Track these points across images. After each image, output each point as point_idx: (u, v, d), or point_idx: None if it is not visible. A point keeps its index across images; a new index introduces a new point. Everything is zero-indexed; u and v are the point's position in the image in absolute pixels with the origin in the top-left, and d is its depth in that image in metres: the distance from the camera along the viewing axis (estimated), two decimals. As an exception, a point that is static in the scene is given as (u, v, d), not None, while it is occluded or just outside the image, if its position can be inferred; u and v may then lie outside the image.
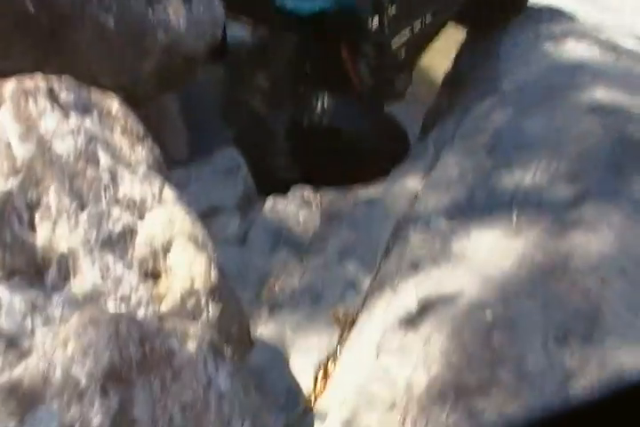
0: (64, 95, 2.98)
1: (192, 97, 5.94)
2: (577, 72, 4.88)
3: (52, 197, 2.44)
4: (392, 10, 5.21)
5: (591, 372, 2.68)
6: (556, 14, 6.02)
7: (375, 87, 5.62)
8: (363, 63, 5.68)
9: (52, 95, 2.93)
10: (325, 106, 5.20)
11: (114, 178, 2.69)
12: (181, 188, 4.20)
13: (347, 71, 5.46)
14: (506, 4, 5.88)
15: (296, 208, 4.49)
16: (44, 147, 2.64)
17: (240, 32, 7.52)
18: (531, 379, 2.74)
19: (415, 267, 3.48)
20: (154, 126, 4.88)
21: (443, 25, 5.92)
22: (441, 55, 6.36)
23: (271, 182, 5.39)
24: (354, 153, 5.21)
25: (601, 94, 4.52)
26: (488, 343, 2.90)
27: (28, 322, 1.88)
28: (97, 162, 2.73)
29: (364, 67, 5.66)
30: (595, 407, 1.28)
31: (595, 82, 4.71)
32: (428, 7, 5.39)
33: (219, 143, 5.55)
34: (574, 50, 5.32)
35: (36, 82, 2.91)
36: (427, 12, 5.43)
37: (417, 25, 5.52)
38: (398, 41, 5.44)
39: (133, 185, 2.74)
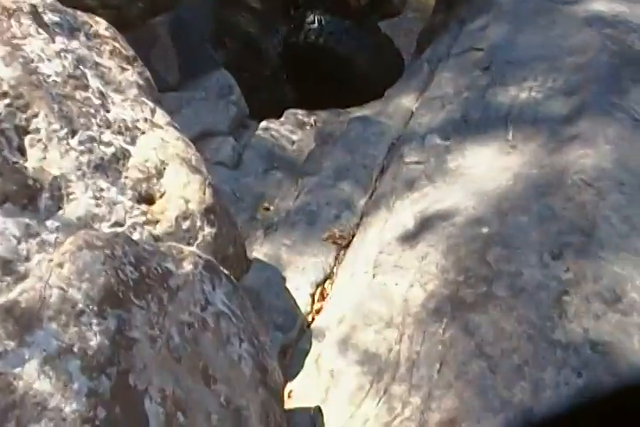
0: (48, 16, 2.88)
1: (182, 20, 5.78)
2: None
3: (42, 121, 2.38)
4: None
5: (587, 285, 2.69)
6: None
7: (372, 3, 5.48)
8: None
9: (36, 16, 2.83)
10: (320, 25, 5.07)
11: (104, 101, 2.63)
12: (174, 112, 4.14)
13: None
14: None
15: (290, 130, 4.44)
16: (30, 69, 2.56)
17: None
18: (526, 294, 2.74)
19: (410, 185, 3.46)
20: (143, 50, 4.79)
21: None
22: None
23: (264, 105, 5.32)
24: (348, 73, 5.11)
25: (600, 5, 4.39)
26: (484, 259, 2.90)
27: (23, 247, 1.86)
28: (86, 85, 2.66)
29: None
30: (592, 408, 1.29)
31: (592, -7, 4.57)
32: None
33: (210, 67, 5.44)
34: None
35: (18, 2, 2.81)
36: None
37: None
38: None
39: (124, 108, 2.69)
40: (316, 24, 5.10)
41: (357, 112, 4.55)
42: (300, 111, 4.70)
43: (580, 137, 3.35)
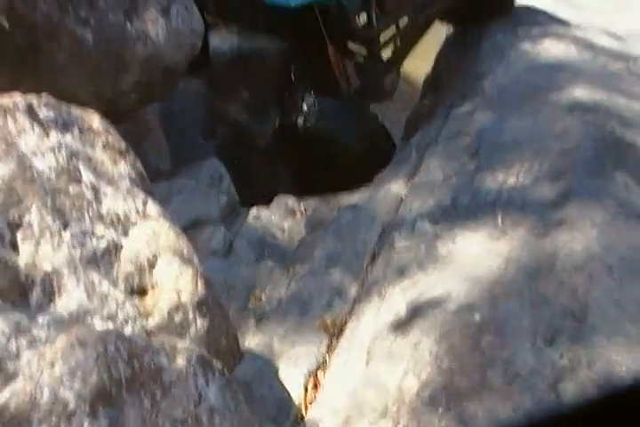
0: (43, 112, 2.97)
1: (173, 109, 5.94)
2: (556, 72, 4.93)
3: (35, 215, 2.43)
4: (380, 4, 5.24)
5: (581, 371, 2.69)
6: (533, 14, 6.06)
7: (362, 88, 5.63)
8: (350, 63, 5.70)
9: (32, 112, 2.92)
10: (311, 107, 5.19)
11: (97, 194, 2.68)
12: (165, 201, 4.21)
13: (333, 72, 5.47)
14: (493, 4, 5.89)
15: (280, 217, 4.50)
16: (24, 165, 2.63)
17: (221, 43, 7.54)
18: (521, 381, 2.74)
19: (402, 272, 3.49)
20: (135, 139, 4.90)
21: (429, 23, 5.96)
22: (421, 58, 6.38)
23: (254, 192, 5.39)
24: (339, 156, 5.21)
25: (580, 93, 4.56)
26: (477, 346, 2.90)
27: (13, 344, 1.87)
28: (79, 178, 2.72)
29: (351, 67, 5.69)
30: (585, 410, 1.29)
31: (574, 81, 4.75)
32: (416, 1, 5.41)
33: (201, 155, 5.55)
34: (553, 49, 5.37)
35: (15, 99, 2.90)
36: (415, 6, 5.45)
37: (405, 21, 5.55)
38: (386, 37, 5.46)
39: (117, 201, 2.74)
40: (308, 106, 5.21)
41: (347, 198, 4.62)
42: (290, 198, 4.77)
43: (567, 222, 3.42)
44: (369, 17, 5.19)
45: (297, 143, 5.36)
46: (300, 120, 5.21)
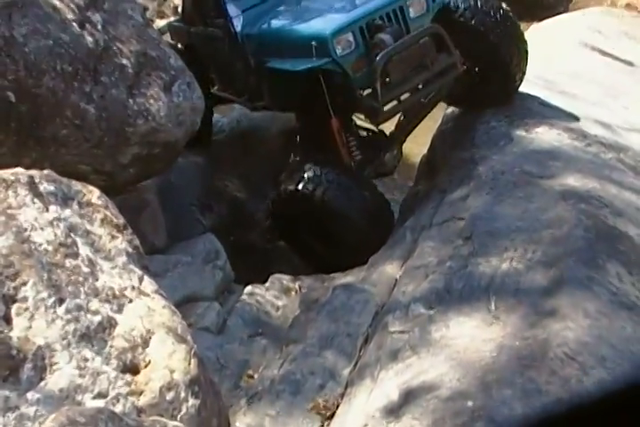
0: (44, 186, 3.03)
1: (172, 183, 6.03)
2: (549, 159, 5.03)
3: (30, 290, 2.45)
4: (385, 77, 5.30)
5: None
6: (528, 101, 6.21)
7: (364, 162, 5.68)
8: (353, 137, 5.80)
9: (33, 186, 2.98)
10: (314, 176, 5.19)
11: (93, 269, 2.72)
12: (160, 276, 4.25)
13: (336, 144, 5.53)
14: (496, 93, 6.03)
15: (275, 296, 4.53)
16: (22, 238, 2.67)
17: (222, 118, 7.72)
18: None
19: (395, 355, 3.49)
20: (133, 213, 4.97)
21: (433, 104, 6.06)
22: (417, 140, 6.51)
23: (250, 268, 5.40)
24: (339, 227, 5.19)
25: (573, 181, 4.64)
26: (469, 434, 2.88)
27: (0, 421, 1.86)
28: (76, 253, 2.76)
29: (355, 141, 5.78)
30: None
31: (566, 169, 4.85)
32: (419, 77, 5.47)
33: (198, 231, 5.62)
34: (546, 137, 5.48)
35: (17, 174, 2.96)
36: (419, 81, 5.53)
37: (409, 97, 5.65)
38: (390, 112, 5.53)
39: (113, 276, 2.77)
40: (310, 175, 5.19)
41: (342, 279, 4.65)
42: (285, 276, 4.80)
43: (560, 310, 3.44)
44: (373, 89, 5.25)
45: (296, 210, 5.34)
46: (300, 188, 5.19)
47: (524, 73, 6.06)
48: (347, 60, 5.25)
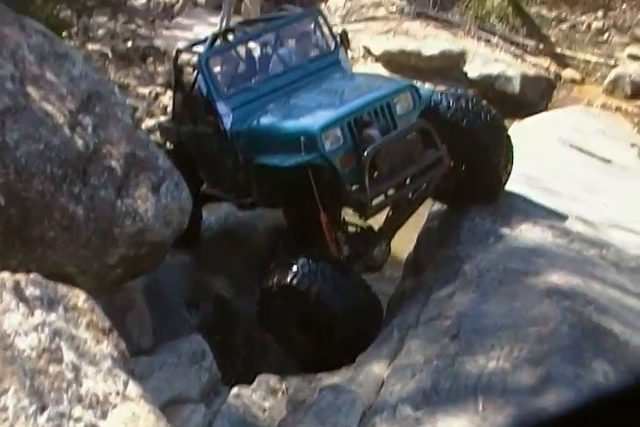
0: (30, 290, 3.07)
1: (159, 281, 6.06)
2: (532, 257, 5.11)
3: (11, 398, 2.45)
4: (373, 172, 5.39)
5: None
6: (511, 199, 6.34)
7: (353, 256, 5.69)
8: (342, 232, 5.83)
9: (18, 290, 3.02)
10: (303, 269, 5.15)
11: (77, 374, 2.72)
12: (145, 378, 4.23)
13: (325, 238, 5.55)
14: (482, 191, 6.12)
15: (261, 397, 4.49)
16: (5, 344, 2.69)
17: (210, 217, 7.82)
18: None
19: (382, 460, 3.45)
20: (119, 313, 4.98)
21: (421, 201, 6.15)
22: (404, 236, 6.57)
23: (237, 368, 5.35)
24: (326, 320, 5.14)
25: (557, 278, 4.71)
26: None
27: None
28: (60, 358, 2.77)
29: (344, 236, 5.81)
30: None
31: (550, 266, 4.93)
32: (406, 171, 5.57)
33: (184, 330, 5.59)
34: (530, 234, 5.58)
35: (3, 279, 3.01)
36: (405, 176, 5.62)
37: (396, 192, 5.75)
38: (378, 207, 5.61)
39: (97, 381, 2.77)
40: (303, 270, 5.14)
41: (329, 379, 4.62)
42: (271, 377, 4.76)
43: (548, 410, 3.43)
44: (361, 183, 5.33)
45: (284, 303, 5.28)
46: (296, 283, 5.14)
47: (509, 173, 6.22)
48: (335, 155, 5.37)
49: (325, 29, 6.82)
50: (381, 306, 5.53)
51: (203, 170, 6.96)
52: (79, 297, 3.24)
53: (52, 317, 3.01)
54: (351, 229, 6.06)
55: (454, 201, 6.38)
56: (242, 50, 6.92)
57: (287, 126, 5.72)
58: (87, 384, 2.75)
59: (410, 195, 5.97)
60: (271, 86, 6.27)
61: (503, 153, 6.08)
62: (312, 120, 5.54)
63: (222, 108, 6.16)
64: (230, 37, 7.13)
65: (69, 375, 2.73)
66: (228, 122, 6.14)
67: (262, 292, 5.50)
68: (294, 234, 6.42)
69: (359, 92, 6.02)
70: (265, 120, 5.96)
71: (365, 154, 5.28)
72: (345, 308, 5.10)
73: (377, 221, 6.00)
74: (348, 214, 6.04)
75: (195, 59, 6.76)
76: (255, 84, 6.33)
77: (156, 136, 10.53)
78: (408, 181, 5.74)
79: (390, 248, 5.93)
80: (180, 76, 7.32)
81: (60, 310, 3.09)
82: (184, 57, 7.48)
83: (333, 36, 6.72)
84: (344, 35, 6.71)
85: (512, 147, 6.18)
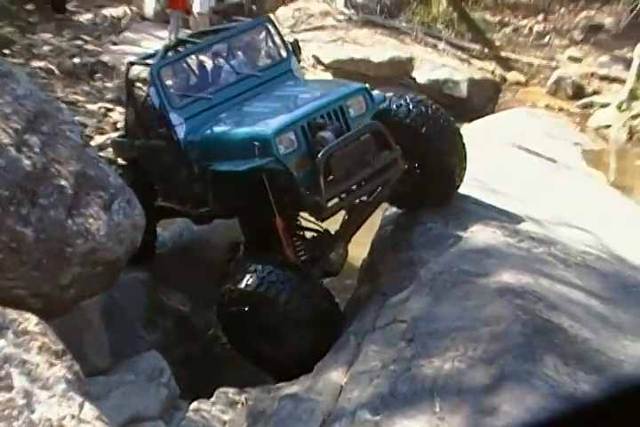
0: (-24, 317, 3.05)
1: (114, 301, 6.01)
2: (484, 258, 5.19)
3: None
4: (328, 174, 5.38)
5: None
6: (461, 201, 6.42)
7: (311, 261, 5.70)
8: (298, 237, 5.84)
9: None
10: (261, 274, 5.12)
11: (29, 401, 2.71)
12: (103, 397, 4.20)
13: (281, 244, 5.55)
14: (436, 194, 6.18)
15: (221, 410, 4.49)
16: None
17: (165, 233, 7.79)
18: None
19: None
20: (74, 333, 4.93)
21: (377, 203, 6.16)
22: (359, 241, 6.61)
23: (196, 382, 5.33)
24: (290, 328, 5.15)
25: (507, 277, 4.79)
26: None
27: None
28: (10, 385, 2.75)
29: (300, 240, 5.82)
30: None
31: (501, 266, 5.01)
32: (361, 173, 5.57)
33: (141, 348, 5.56)
34: (480, 235, 5.66)
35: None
36: (360, 178, 5.61)
37: (352, 194, 5.73)
38: (334, 207, 5.58)
39: (51, 406, 2.76)
40: (260, 275, 5.10)
41: (288, 389, 4.64)
42: (230, 389, 4.77)
43: (502, 407, 3.51)
44: (317, 185, 5.32)
45: (242, 309, 5.22)
46: (247, 286, 5.12)
47: (462, 177, 6.27)
48: (290, 159, 5.37)
49: (277, 38, 6.86)
50: (342, 313, 5.56)
51: (157, 183, 6.92)
52: (30, 321, 3.22)
53: (1, 342, 2.99)
54: (307, 233, 6.09)
55: (408, 205, 6.44)
56: (194, 61, 6.92)
57: (241, 133, 5.71)
58: (40, 410, 2.74)
59: (366, 197, 5.97)
60: (224, 96, 6.28)
61: (458, 158, 6.15)
62: (265, 125, 5.54)
63: (175, 118, 6.15)
64: (182, 49, 7.11)
65: (21, 402, 2.72)
66: (181, 132, 6.13)
67: (221, 298, 5.44)
68: (251, 240, 6.41)
69: (312, 97, 6.05)
70: (218, 128, 5.95)
71: (319, 156, 5.29)
72: (311, 315, 5.11)
73: (333, 225, 6.02)
74: (304, 219, 6.07)
75: (146, 72, 6.74)
76: (208, 94, 6.32)
77: (108, 153, 10.54)
78: (363, 183, 5.74)
79: (347, 252, 5.95)
80: (132, 90, 7.28)
81: (10, 336, 3.07)
82: (134, 71, 7.44)
83: (285, 45, 6.77)
84: (295, 43, 6.74)
85: (466, 152, 6.24)
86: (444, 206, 6.24)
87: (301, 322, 5.11)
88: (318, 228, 6.09)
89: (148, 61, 6.97)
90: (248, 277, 5.18)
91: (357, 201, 5.98)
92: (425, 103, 6.14)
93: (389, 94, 6.37)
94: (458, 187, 6.34)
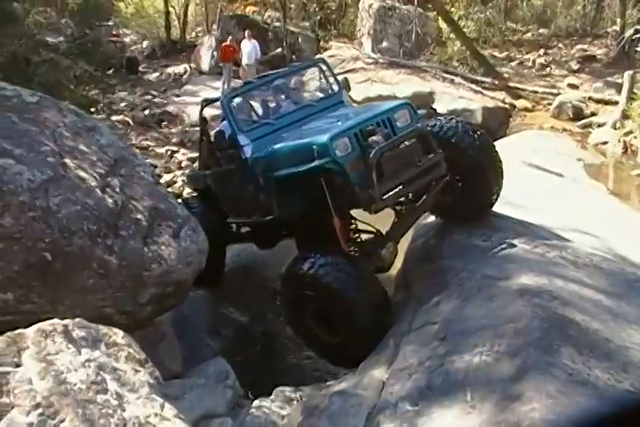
0: (77, 332, 3.17)
1: (184, 316, 6.11)
2: (504, 263, 5.16)
3: (69, 425, 2.53)
4: (380, 172, 5.26)
5: None
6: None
7: (364, 257, 5.60)
8: (353, 235, 5.80)
9: (67, 334, 3.12)
10: (325, 263, 5.07)
11: (120, 402, 2.81)
12: (179, 398, 4.29)
13: (338, 241, 5.47)
14: (475, 209, 6.08)
15: (279, 406, 4.53)
16: (59, 380, 2.77)
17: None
18: None
19: (388, 451, 3.49)
20: (152, 344, 5.05)
21: (422, 211, 6.03)
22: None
23: (257, 384, 5.35)
24: (345, 315, 5.04)
25: (526, 280, 4.76)
26: None
27: None
28: (105, 389, 2.85)
29: (355, 238, 5.78)
30: None
31: (520, 269, 4.97)
32: (408, 172, 5.45)
33: (208, 355, 5.65)
34: (500, 244, 5.62)
35: (54, 324, 3.10)
36: (408, 176, 5.47)
37: (400, 190, 5.53)
38: (385, 202, 5.39)
39: (138, 406, 2.85)
40: (321, 261, 5.05)
41: (337, 386, 4.66)
42: (287, 388, 4.81)
43: (526, 394, 3.49)
44: (369, 179, 5.23)
45: (306, 294, 5.15)
46: (314, 271, 5.04)
47: (499, 188, 6.09)
48: (345, 161, 5.32)
49: (329, 75, 6.99)
50: (390, 302, 5.41)
51: (227, 203, 6.97)
52: (117, 335, 3.33)
53: (96, 353, 3.10)
54: (361, 235, 6.04)
55: (447, 216, 6.32)
56: (258, 94, 7.07)
57: (301, 143, 5.72)
58: (130, 409, 2.83)
59: (412, 196, 5.86)
60: (285, 122, 6.38)
61: (494, 174, 6.01)
62: (323, 134, 5.55)
63: (243, 139, 6.27)
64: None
65: (114, 403, 2.81)
66: (248, 151, 6.24)
67: (284, 279, 5.37)
68: (310, 239, 6.32)
69: (362, 112, 6.06)
70: (280, 144, 5.99)
71: (372, 155, 5.23)
72: (365, 302, 5.01)
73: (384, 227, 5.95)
74: (359, 221, 6.06)
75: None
76: (270, 120, 6.46)
77: (174, 188, 10.74)
78: (411, 181, 5.57)
79: (397, 250, 5.80)
80: (205, 127, 7.44)
81: (103, 348, 3.18)
82: (206, 113, 7.54)
83: (337, 81, 6.90)
84: (345, 81, 6.83)
85: (502, 171, 6.07)
86: (481, 220, 6.08)
87: (356, 308, 5.01)
88: (371, 229, 6.05)
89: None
90: (310, 263, 5.13)
91: (406, 207, 5.91)
92: (464, 123, 6.08)
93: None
94: (493, 204, 6.19)
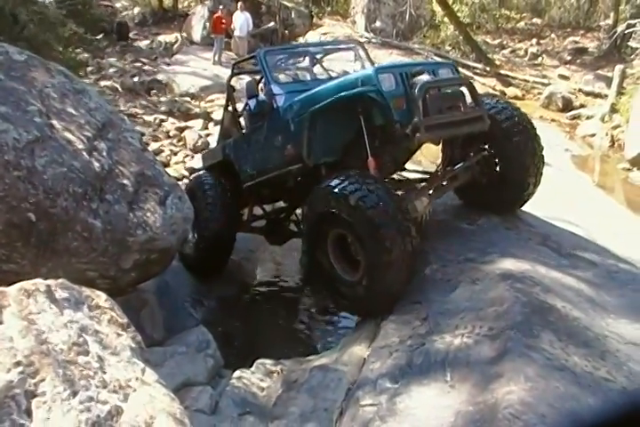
0: (59, 293, 3.10)
1: (167, 283, 6.08)
2: (488, 248, 5.16)
3: (48, 385, 2.48)
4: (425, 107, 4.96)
5: None
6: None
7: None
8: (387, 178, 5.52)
9: (50, 294, 3.04)
10: (348, 182, 4.73)
11: (102, 364, 2.75)
12: (159, 365, 4.25)
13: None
14: (502, 202, 5.75)
15: (260, 378, 4.52)
16: (41, 340, 2.71)
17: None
18: None
19: (366, 426, 3.49)
20: (134, 310, 5.00)
21: (458, 179, 5.69)
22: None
23: (237, 355, 5.35)
24: (363, 232, 4.65)
25: (508, 264, 4.77)
26: None
27: None
28: (87, 351, 2.80)
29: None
30: None
31: (503, 254, 4.98)
32: (452, 114, 5.14)
33: (190, 324, 5.63)
34: (484, 229, 5.62)
35: (36, 284, 3.03)
36: (451, 118, 5.13)
37: (444, 129, 5.18)
38: (428, 136, 5.08)
39: (119, 369, 2.80)
40: (353, 181, 4.73)
41: (317, 360, 4.66)
42: (268, 361, 4.80)
43: (505, 376, 3.50)
44: (415, 108, 4.93)
45: (328, 210, 4.80)
46: (340, 186, 4.73)
47: (534, 185, 5.73)
48: (389, 95, 5.02)
49: (364, 56, 6.90)
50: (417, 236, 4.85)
51: (249, 164, 6.60)
52: (100, 297, 3.27)
53: (79, 315, 3.04)
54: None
55: (476, 202, 5.93)
56: (294, 59, 7.00)
57: (342, 80, 5.50)
58: (110, 372, 2.78)
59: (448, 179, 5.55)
60: (317, 84, 6.03)
61: (533, 162, 5.65)
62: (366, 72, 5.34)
63: (277, 89, 6.10)
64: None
65: (95, 365, 2.76)
66: (281, 100, 6.01)
67: (313, 199, 5.00)
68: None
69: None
70: (317, 89, 5.71)
71: (418, 88, 4.97)
72: (389, 222, 4.59)
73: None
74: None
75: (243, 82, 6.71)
76: (303, 79, 6.39)
77: (161, 157, 10.62)
78: (454, 125, 5.21)
79: (431, 208, 5.50)
80: (232, 95, 7.30)
81: (85, 310, 3.12)
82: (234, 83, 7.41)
83: (371, 62, 6.81)
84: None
85: (541, 167, 5.71)
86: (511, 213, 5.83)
87: (381, 230, 4.56)
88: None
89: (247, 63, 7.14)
90: (339, 180, 4.80)
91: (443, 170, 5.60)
92: (507, 102, 5.89)
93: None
94: (525, 201, 5.85)
